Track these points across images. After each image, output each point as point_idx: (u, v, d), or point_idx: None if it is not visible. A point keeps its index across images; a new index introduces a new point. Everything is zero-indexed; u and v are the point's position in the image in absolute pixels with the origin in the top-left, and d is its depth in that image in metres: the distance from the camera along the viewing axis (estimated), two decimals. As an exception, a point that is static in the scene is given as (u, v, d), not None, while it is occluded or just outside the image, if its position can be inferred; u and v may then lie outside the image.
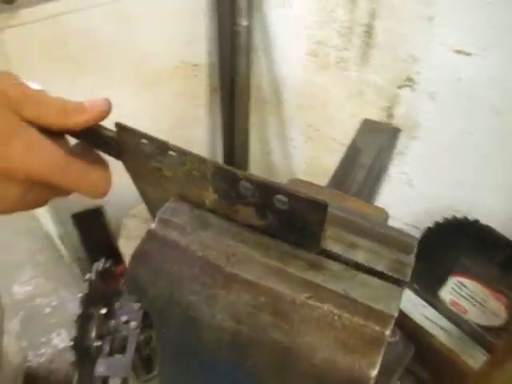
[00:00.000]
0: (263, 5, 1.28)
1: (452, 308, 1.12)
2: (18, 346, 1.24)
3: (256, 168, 1.66)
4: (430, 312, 1.21)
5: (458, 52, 0.90)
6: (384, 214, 0.55)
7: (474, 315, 1.08)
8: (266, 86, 1.42)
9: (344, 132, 1.13)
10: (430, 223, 1.11)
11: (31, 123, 0.35)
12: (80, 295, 1.03)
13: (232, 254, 0.35)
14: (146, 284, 0.36)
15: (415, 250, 0.36)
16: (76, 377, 1.02)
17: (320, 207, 0.32)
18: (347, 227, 0.37)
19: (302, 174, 1.50)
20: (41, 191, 0.37)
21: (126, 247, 1.36)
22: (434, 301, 1.16)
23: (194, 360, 0.35)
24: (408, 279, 0.34)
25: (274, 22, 1.29)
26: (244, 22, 1.29)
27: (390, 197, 1.23)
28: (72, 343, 0.99)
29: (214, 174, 0.36)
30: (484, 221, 1.02)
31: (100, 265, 1.13)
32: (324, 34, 1.18)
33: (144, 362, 1.15)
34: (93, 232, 1.47)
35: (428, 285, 1.16)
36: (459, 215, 1.06)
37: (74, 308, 1.01)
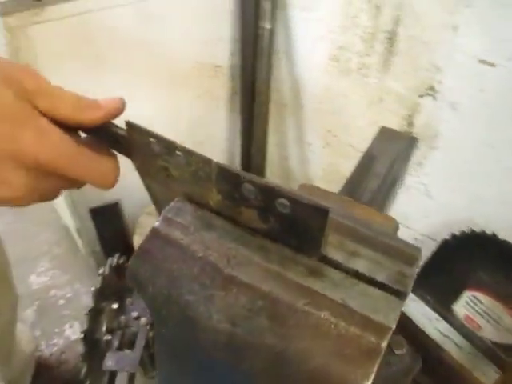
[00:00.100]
0: (287, 8, 1.28)
1: (465, 323, 1.10)
2: (31, 336, 1.26)
3: (273, 172, 1.66)
4: (443, 326, 1.19)
5: (482, 62, 0.89)
6: (394, 224, 0.54)
7: (487, 331, 1.05)
8: (286, 90, 1.42)
9: (362, 139, 1.12)
10: (447, 235, 1.09)
11: (44, 115, 0.36)
12: (93, 289, 1.05)
13: (232, 256, 0.35)
14: (146, 282, 0.36)
15: (419, 262, 0.36)
16: (84, 369, 1.04)
17: (321, 213, 0.32)
18: (350, 235, 0.37)
19: (318, 180, 1.49)
20: (50, 181, 0.38)
21: (140, 244, 1.38)
22: (447, 314, 1.14)
23: (191, 360, 0.35)
24: (409, 291, 0.33)
25: (297, 26, 1.29)
26: (267, 25, 1.30)
27: (407, 207, 1.22)
28: (82, 336, 1.01)
29: (217, 174, 0.36)
30: (502, 235, 0.99)
31: (114, 260, 1.15)
32: (346, 40, 1.17)
33: (152, 359, 1.16)
34: (109, 227, 1.49)
35: (442, 298, 1.14)
36: (477, 228, 1.03)
37: (88, 301, 1.03)
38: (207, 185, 0.37)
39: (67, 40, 1.11)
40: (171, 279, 0.35)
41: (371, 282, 0.34)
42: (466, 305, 1.09)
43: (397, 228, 0.55)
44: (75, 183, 0.40)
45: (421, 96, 1.04)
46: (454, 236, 1.07)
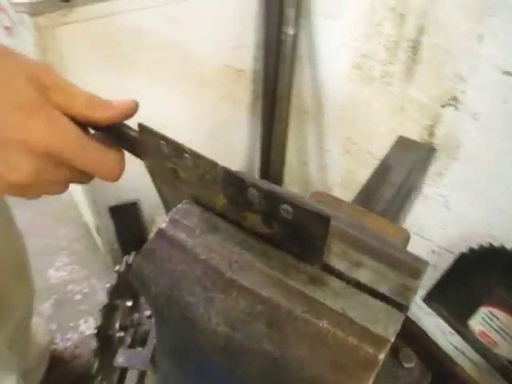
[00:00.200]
0: (311, 15, 1.28)
1: (481, 339, 1.07)
2: (47, 329, 1.29)
3: (291, 177, 1.65)
4: (458, 340, 1.17)
5: (506, 73, 0.87)
6: (405, 235, 0.53)
7: (503, 349, 1.02)
8: (308, 96, 1.42)
9: (382, 147, 1.11)
10: (464, 248, 1.07)
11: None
12: (108, 285, 1.06)
13: (235, 260, 0.35)
14: (149, 281, 0.37)
15: (423, 275, 0.35)
16: (96, 364, 1.05)
17: (323, 220, 0.31)
18: (355, 245, 0.37)
19: (337, 187, 1.48)
20: (59, 171, 0.39)
21: (156, 244, 1.39)
22: (462, 329, 1.12)
23: (190, 361, 0.36)
24: (410, 304, 0.33)
25: (321, 33, 1.29)
26: (290, 31, 1.30)
27: (425, 218, 1.20)
28: (96, 331, 1.02)
29: (223, 178, 0.36)
30: (522, 251, 0.97)
31: (130, 258, 1.16)
32: (370, 48, 1.16)
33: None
34: (127, 226, 1.51)
35: (457, 312, 1.11)
36: (496, 243, 1.01)
37: (104, 297, 1.04)
38: (214, 188, 0.38)
39: (94, 41, 1.13)
40: (174, 280, 0.35)
41: (373, 293, 0.33)
42: (481, 320, 1.06)
43: (408, 239, 0.54)
44: (83, 176, 0.41)
45: (443, 106, 1.03)
46: (471, 250, 1.04)
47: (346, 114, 1.33)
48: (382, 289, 0.33)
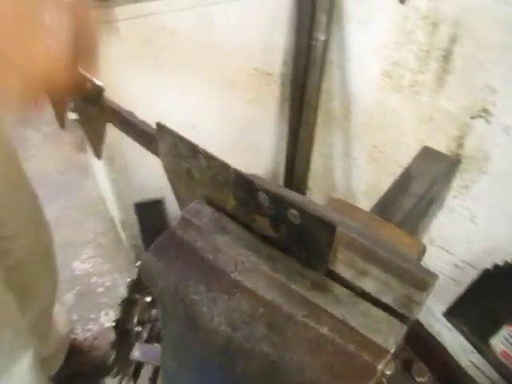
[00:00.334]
0: (343, 20, 1.28)
1: (502, 359, 1.04)
2: (68, 318, 1.32)
3: (316, 182, 1.64)
4: (478, 359, 1.14)
5: (540, 87, 0.84)
6: (420, 247, 0.52)
7: (525, 371, 0.99)
8: (336, 102, 1.41)
9: (409, 157, 1.09)
10: (489, 264, 1.04)
11: None
12: (128, 280, 1.08)
13: (241, 261, 0.36)
14: (157, 277, 0.37)
15: (430, 288, 0.35)
16: (113, 357, 1.07)
17: (329, 227, 0.31)
18: (363, 253, 0.36)
19: (361, 195, 1.46)
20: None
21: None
22: (483, 348, 1.08)
23: (191, 357, 0.36)
24: (414, 316, 0.32)
25: (352, 39, 1.28)
26: (321, 37, 1.29)
27: (449, 231, 1.17)
28: (114, 324, 1.04)
29: (234, 181, 0.37)
30: (549, 271, 0.93)
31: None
32: (400, 56, 1.14)
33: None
34: (152, 222, 1.54)
35: (479, 329, 1.08)
36: (522, 260, 0.98)
37: (125, 292, 1.06)
38: (225, 190, 0.38)
39: (129, 40, 1.16)
40: (180, 277, 0.36)
41: (376, 302, 0.33)
42: (504, 340, 1.03)
43: (423, 252, 0.54)
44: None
45: (472, 117, 1.00)
46: (496, 266, 1.01)
47: (373, 121, 1.31)
48: (386, 299, 0.33)
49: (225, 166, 0.37)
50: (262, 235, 0.38)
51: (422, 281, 0.35)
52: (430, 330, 1.26)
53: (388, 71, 1.20)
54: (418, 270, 0.36)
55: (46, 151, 2.24)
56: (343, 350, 0.30)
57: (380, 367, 0.30)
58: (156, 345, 1.06)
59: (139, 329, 1.08)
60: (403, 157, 1.24)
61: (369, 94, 1.30)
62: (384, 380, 0.31)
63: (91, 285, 1.59)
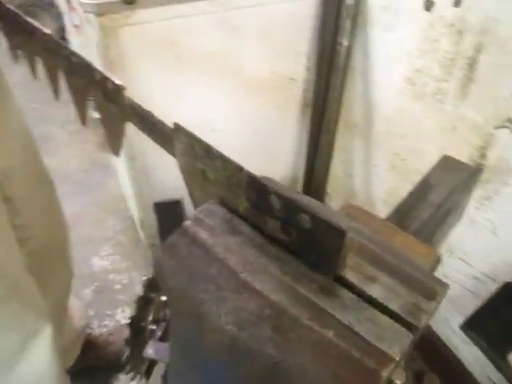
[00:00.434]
0: (367, 26, 1.27)
1: (520, 376, 1.01)
2: (83, 313, 1.34)
3: (335, 189, 1.64)
4: (495, 375, 1.11)
5: None
6: (434, 257, 0.52)
7: (543, 390, 0.96)
8: (358, 109, 1.40)
9: (430, 166, 1.08)
10: (509, 277, 1.02)
11: None
12: (144, 278, 1.10)
13: (250, 262, 0.36)
14: (168, 274, 0.38)
15: (440, 298, 0.34)
16: (127, 353, 1.08)
17: (339, 233, 0.32)
18: (372, 260, 0.36)
19: (380, 202, 1.45)
20: None
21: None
22: (501, 363, 1.06)
23: (197, 355, 0.37)
24: (421, 325, 0.32)
25: (375, 45, 1.27)
26: (345, 42, 1.29)
27: (469, 242, 1.15)
28: (129, 321, 1.06)
29: (247, 183, 0.37)
30: None
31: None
32: (424, 63, 1.13)
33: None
34: (170, 222, 1.55)
35: (497, 344, 1.06)
36: (544, 276, 0.96)
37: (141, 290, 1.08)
38: (238, 191, 0.39)
39: (152, 42, 1.18)
40: (190, 276, 0.37)
41: (383, 309, 0.33)
42: (522, 356, 1.00)
43: (438, 261, 0.53)
44: None
45: (496, 127, 0.99)
46: (516, 280, 0.99)
47: (394, 129, 1.30)
48: (393, 306, 0.33)
49: (239, 168, 0.37)
50: (273, 238, 0.38)
51: (431, 290, 0.35)
52: (447, 343, 1.24)
53: (411, 78, 1.19)
54: (428, 278, 0.36)
55: (70, 149, 2.29)
56: (347, 355, 0.30)
57: (384, 375, 0.29)
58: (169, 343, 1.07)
59: (153, 327, 1.09)
60: (424, 165, 1.22)
61: (391, 101, 1.29)
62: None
63: (109, 282, 1.61)
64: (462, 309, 1.14)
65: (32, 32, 0.64)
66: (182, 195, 1.46)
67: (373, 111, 1.36)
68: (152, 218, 1.53)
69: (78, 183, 2.02)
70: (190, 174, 0.45)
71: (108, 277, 1.62)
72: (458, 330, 1.16)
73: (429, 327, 1.25)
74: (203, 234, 0.39)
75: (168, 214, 1.53)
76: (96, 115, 0.63)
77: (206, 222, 0.40)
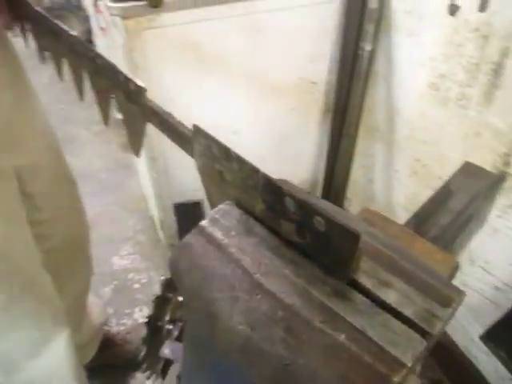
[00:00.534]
0: (391, 31, 1.26)
1: (541, 390, 0.99)
2: (102, 310, 1.36)
3: (354, 193, 1.63)
4: (516, 387, 1.08)
5: None
6: (452, 264, 0.51)
7: None
8: (379, 113, 1.39)
9: (452, 173, 1.06)
10: (532, 289, 0.99)
11: None
12: (162, 278, 1.11)
13: (264, 264, 0.36)
14: (183, 273, 0.39)
15: (456, 305, 0.34)
16: (143, 352, 1.09)
17: (352, 236, 0.32)
18: (387, 265, 0.36)
19: (400, 208, 1.43)
20: None
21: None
22: (521, 376, 1.03)
23: (208, 354, 0.37)
24: (435, 332, 0.32)
25: (399, 50, 1.26)
26: (368, 47, 1.28)
27: (492, 251, 1.13)
28: (147, 320, 1.07)
29: (263, 185, 0.37)
30: None
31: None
32: (448, 68, 1.12)
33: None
34: (189, 223, 1.55)
35: (518, 357, 1.03)
36: None
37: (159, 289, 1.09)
38: (254, 193, 0.39)
39: (176, 45, 1.19)
40: (205, 275, 0.37)
41: (397, 314, 0.33)
42: (544, 369, 0.98)
43: (456, 268, 0.52)
44: None
45: (521, 135, 0.97)
46: (539, 291, 0.97)
47: (417, 134, 1.29)
48: (407, 312, 0.33)
49: (255, 170, 0.38)
50: (288, 240, 0.38)
51: (447, 297, 0.34)
52: (465, 353, 1.21)
53: (435, 83, 1.17)
54: (443, 285, 0.36)
55: (94, 149, 2.33)
56: (359, 359, 0.30)
57: (396, 380, 0.29)
58: (185, 343, 1.08)
59: (170, 327, 1.10)
60: (446, 172, 1.20)
61: (413, 106, 1.28)
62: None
63: (128, 281, 1.63)
64: (481, 318, 1.12)
65: (59, 34, 0.66)
66: (201, 197, 1.47)
67: (395, 116, 1.35)
68: (172, 219, 1.55)
69: (101, 183, 2.06)
70: (207, 175, 0.46)
71: (127, 276, 1.65)
72: (477, 339, 1.14)
73: (447, 336, 1.22)
74: (219, 234, 0.39)
75: (187, 216, 1.55)
76: (119, 116, 0.64)
77: (221, 223, 0.40)
